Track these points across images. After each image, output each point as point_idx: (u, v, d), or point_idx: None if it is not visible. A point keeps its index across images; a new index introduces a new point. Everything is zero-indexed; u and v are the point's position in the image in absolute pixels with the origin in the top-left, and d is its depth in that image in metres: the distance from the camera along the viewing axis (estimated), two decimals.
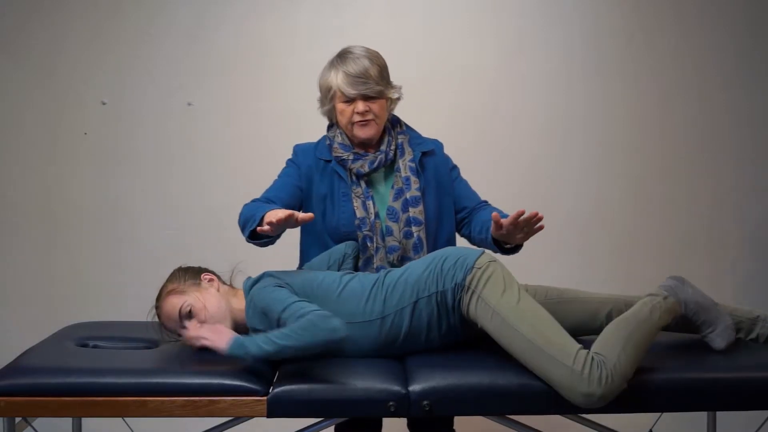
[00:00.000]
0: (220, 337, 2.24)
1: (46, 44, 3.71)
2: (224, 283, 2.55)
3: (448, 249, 2.46)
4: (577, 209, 3.81)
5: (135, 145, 3.75)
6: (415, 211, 2.63)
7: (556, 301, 2.48)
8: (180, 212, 3.76)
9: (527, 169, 3.81)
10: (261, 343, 2.19)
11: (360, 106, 2.59)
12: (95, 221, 3.75)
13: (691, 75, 3.81)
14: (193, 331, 2.31)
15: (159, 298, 2.47)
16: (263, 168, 3.72)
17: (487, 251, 2.43)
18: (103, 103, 3.73)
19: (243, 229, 2.53)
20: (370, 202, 2.63)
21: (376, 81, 2.59)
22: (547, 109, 3.80)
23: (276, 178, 2.74)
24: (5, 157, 3.74)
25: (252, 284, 2.45)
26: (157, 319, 2.48)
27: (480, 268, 2.35)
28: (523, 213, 2.37)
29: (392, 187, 2.65)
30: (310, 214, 2.34)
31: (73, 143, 3.74)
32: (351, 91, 2.58)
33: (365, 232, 2.61)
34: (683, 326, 2.47)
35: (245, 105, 3.75)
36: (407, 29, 3.74)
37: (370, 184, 2.66)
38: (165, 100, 3.74)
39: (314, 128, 3.75)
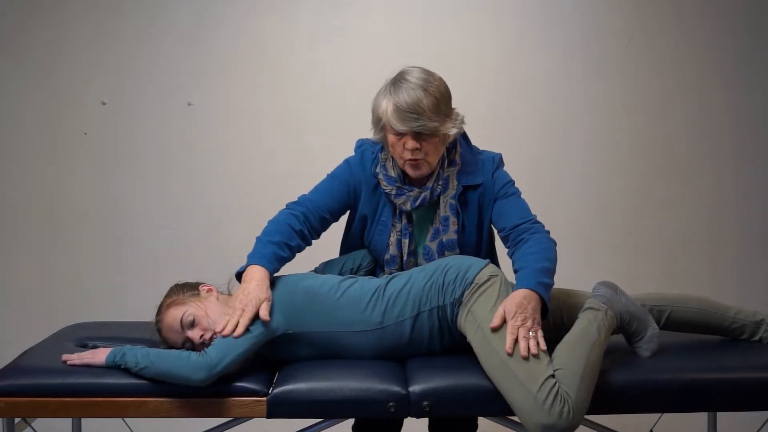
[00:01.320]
0: (97, 354, 2.29)
1: (46, 44, 3.71)
2: (222, 292, 2.53)
3: (452, 259, 2.43)
4: (578, 209, 3.81)
5: (135, 145, 3.74)
6: (451, 255, 2.51)
7: (556, 307, 2.47)
8: (180, 212, 3.75)
9: (527, 169, 3.79)
10: (139, 357, 2.22)
11: (410, 143, 2.39)
12: (95, 221, 3.75)
13: (691, 75, 3.80)
14: (76, 359, 2.30)
15: (159, 312, 2.44)
16: (263, 168, 3.74)
17: (491, 264, 2.40)
18: (103, 103, 3.73)
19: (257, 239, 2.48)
20: (406, 240, 2.52)
21: (429, 117, 2.36)
22: (547, 109, 3.79)
23: (328, 175, 2.60)
24: (5, 157, 3.74)
25: None
26: (158, 335, 2.45)
27: (478, 283, 2.33)
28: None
29: (432, 224, 2.54)
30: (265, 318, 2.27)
31: (73, 143, 3.73)
32: (401, 127, 2.37)
33: (393, 270, 2.54)
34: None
35: (245, 105, 3.74)
36: (407, 29, 3.73)
37: (411, 219, 2.54)
38: (165, 100, 3.73)
39: (314, 128, 3.76)
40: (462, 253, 2.55)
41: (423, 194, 2.49)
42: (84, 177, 3.74)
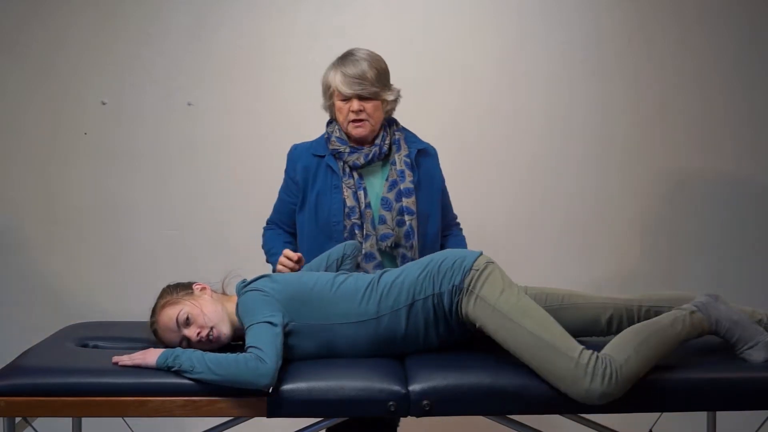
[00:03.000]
0: (147, 356, 2.27)
1: (46, 44, 3.71)
2: (216, 291, 2.52)
3: (446, 251, 2.48)
4: (577, 209, 3.81)
5: (135, 145, 3.74)
6: (408, 202, 2.76)
7: (556, 308, 2.47)
8: (180, 212, 3.76)
9: (527, 169, 3.81)
10: (195, 361, 2.21)
11: (355, 104, 2.75)
12: (95, 221, 3.75)
13: (691, 75, 3.81)
14: (126, 360, 2.29)
15: (154, 314, 2.43)
16: (263, 168, 3.74)
17: (485, 253, 2.44)
18: (103, 103, 3.73)
19: (266, 257, 2.89)
20: (361, 192, 2.77)
21: (371, 83, 2.74)
22: (547, 109, 3.80)
23: (279, 190, 2.93)
24: (5, 157, 3.74)
25: (243, 286, 2.44)
26: (154, 336, 2.45)
27: (478, 269, 2.36)
28: None
29: (387, 179, 2.79)
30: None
31: (73, 143, 3.74)
32: (347, 91, 2.74)
33: (354, 220, 2.74)
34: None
35: (245, 105, 3.74)
36: (407, 29, 3.74)
37: (363, 176, 2.80)
38: (165, 100, 3.74)
39: (314, 128, 3.75)
40: (419, 210, 2.75)
41: (373, 150, 2.80)
42: (84, 177, 3.75)
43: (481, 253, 2.42)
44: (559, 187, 3.81)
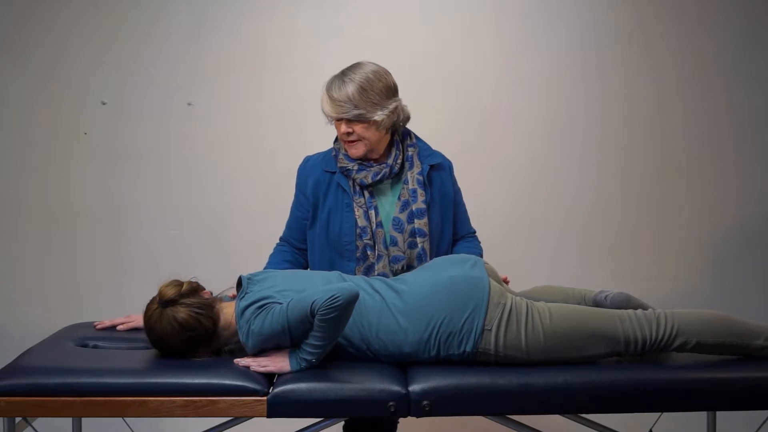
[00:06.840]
0: (278, 363, 2.30)
1: (46, 44, 3.71)
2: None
3: (448, 299, 2.37)
4: (577, 209, 3.81)
5: (135, 145, 3.74)
6: (420, 223, 2.69)
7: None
8: (180, 212, 3.75)
9: (528, 169, 3.81)
10: (311, 350, 2.25)
11: (343, 127, 2.69)
12: (95, 221, 3.75)
13: (691, 75, 3.81)
14: (255, 366, 2.31)
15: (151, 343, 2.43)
16: (263, 168, 3.75)
17: (493, 292, 2.36)
18: (103, 103, 3.73)
19: None
20: (372, 212, 2.69)
21: (355, 105, 2.64)
22: (547, 110, 3.79)
23: (291, 207, 2.85)
24: (5, 157, 3.74)
25: (245, 307, 2.37)
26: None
27: (490, 329, 2.33)
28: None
29: (399, 199, 2.72)
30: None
31: (73, 143, 3.73)
32: (332, 114, 2.69)
33: (366, 241, 2.67)
34: None
35: (245, 105, 3.74)
36: (407, 29, 3.74)
37: (374, 194, 2.73)
38: (165, 100, 3.73)
39: (314, 128, 3.75)
40: (431, 229, 2.70)
41: (384, 170, 2.71)
42: (84, 177, 3.74)
43: (488, 303, 2.34)
44: (559, 187, 3.81)
